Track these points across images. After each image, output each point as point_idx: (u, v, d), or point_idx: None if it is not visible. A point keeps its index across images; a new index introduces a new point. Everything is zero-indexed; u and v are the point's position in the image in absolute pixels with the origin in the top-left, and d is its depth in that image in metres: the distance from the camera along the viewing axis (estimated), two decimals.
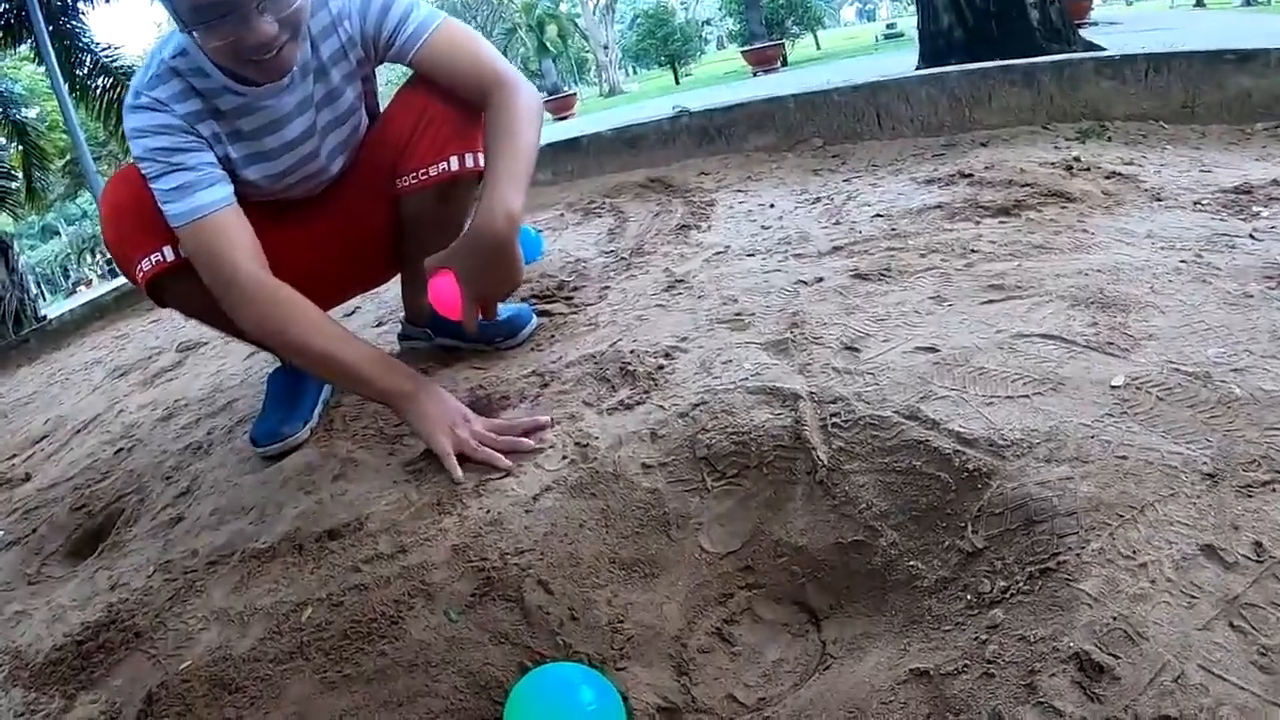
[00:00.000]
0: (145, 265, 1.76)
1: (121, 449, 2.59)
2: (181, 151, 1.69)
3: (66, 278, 46.32)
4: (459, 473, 1.60)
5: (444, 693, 1.23)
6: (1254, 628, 0.87)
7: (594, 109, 24.27)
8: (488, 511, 1.47)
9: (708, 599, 1.34)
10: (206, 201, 1.69)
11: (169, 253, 1.75)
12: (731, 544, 1.38)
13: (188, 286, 1.79)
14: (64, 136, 16.19)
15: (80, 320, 5.79)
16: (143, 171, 1.71)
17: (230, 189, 1.74)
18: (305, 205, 2.01)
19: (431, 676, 1.25)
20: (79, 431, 3.04)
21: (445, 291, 1.50)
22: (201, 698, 1.33)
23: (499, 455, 1.60)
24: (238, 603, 1.53)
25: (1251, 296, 1.52)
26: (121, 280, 6.47)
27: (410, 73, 1.95)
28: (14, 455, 3.12)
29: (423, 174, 1.94)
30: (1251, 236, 1.86)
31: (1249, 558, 0.95)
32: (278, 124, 1.79)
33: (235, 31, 1.54)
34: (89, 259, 47.92)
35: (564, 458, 1.55)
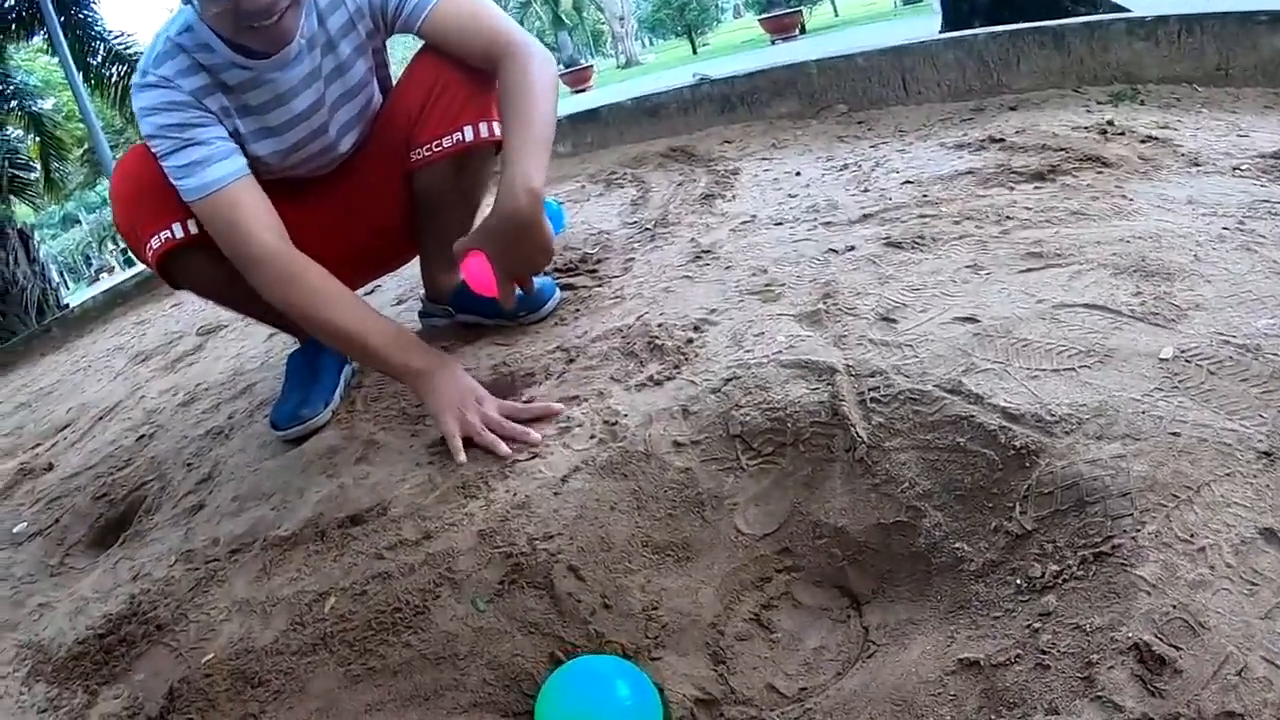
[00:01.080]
0: (154, 243, 1.76)
1: (143, 436, 2.59)
2: (192, 126, 1.68)
3: (88, 265, 46.67)
4: (462, 456, 1.59)
5: (472, 685, 1.22)
6: None
7: (610, 81, 24.12)
8: (514, 494, 1.45)
9: (744, 583, 1.31)
10: (220, 175, 1.68)
11: (178, 230, 1.75)
12: (768, 525, 1.34)
13: (198, 264, 1.82)
14: (81, 126, 16.25)
15: (102, 307, 5.82)
16: (154, 149, 1.70)
17: (244, 160, 1.74)
18: (318, 185, 2.00)
19: (459, 669, 1.24)
20: (101, 419, 3.05)
21: (479, 271, 1.48)
22: (224, 692, 1.33)
23: (500, 443, 1.57)
24: (260, 593, 1.52)
25: None
26: (142, 266, 6.50)
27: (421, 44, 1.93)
28: (37, 445, 3.14)
29: (436, 146, 1.92)
30: None
31: None
32: (284, 98, 1.77)
33: None
34: (110, 246, 48.27)
35: (592, 437, 1.52)
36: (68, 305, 9.74)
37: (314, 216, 1.93)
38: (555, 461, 1.49)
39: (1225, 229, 1.68)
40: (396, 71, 2.07)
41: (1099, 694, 0.83)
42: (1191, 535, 0.95)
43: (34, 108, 13.32)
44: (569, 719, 1.04)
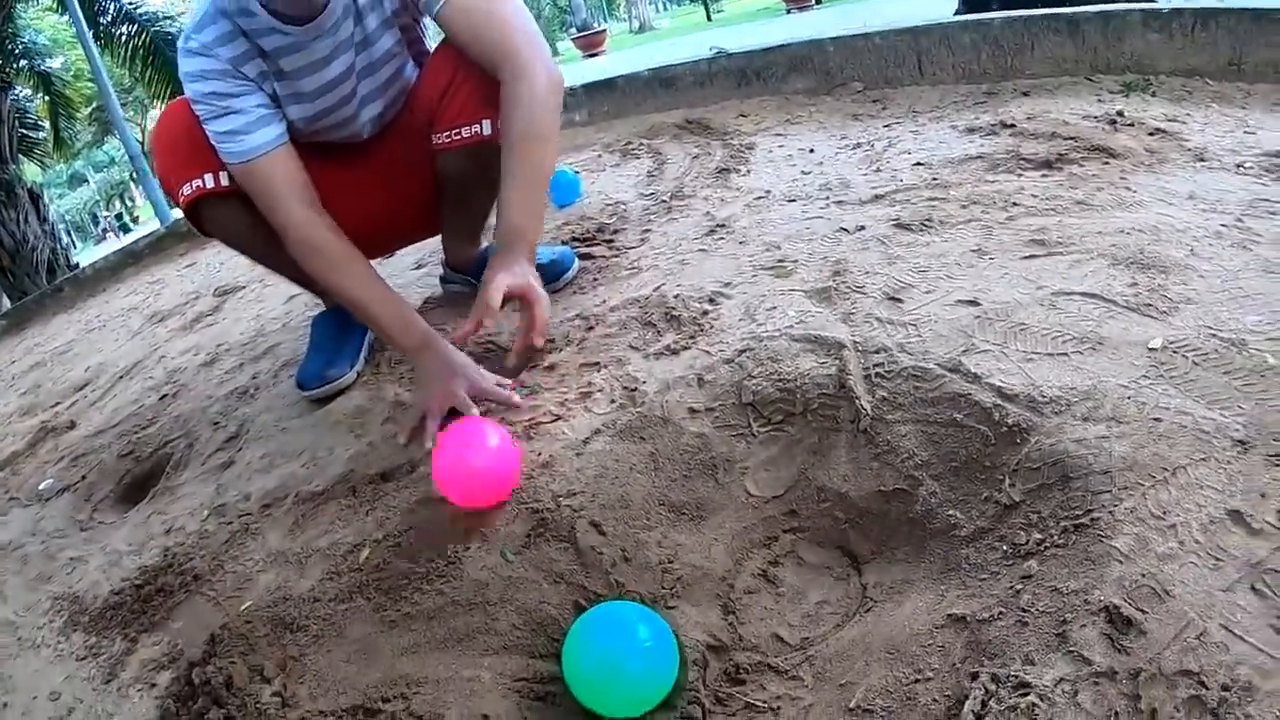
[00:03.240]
0: (186, 190, 1.83)
1: (166, 395, 2.64)
2: (231, 96, 1.74)
3: (95, 224, 46.40)
4: (403, 439, 1.74)
5: (502, 630, 1.29)
6: (1275, 593, 0.91)
7: (624, 46, 23.90)
8: (539, 454, 1.53)
9: (753, 542, 1.39)
10: (258, 144, 1.75)
11: (210, 180, 1.82)
12: (776, 489, 1.43)
13: (226, 214, 1.88)
14: (89, 85, 16.18)
15: (115, 267, 5.81)
16: (197, 113, 1.77)
17: (282, 128, 1.80)
18: (353, 153, 2.05)
19: (489, 615, 1.31)
20: (121, 378, 3.09)
21: (448, 470, 1.41)
22: (264, 637, 1.39)
23: (473, 408, 1.66)
24: (295, 544, 1.59)
25: None
26: (154, 227, 6.50)
27: None
28: (57, 403, 3.17)
29: (455, 134, 1.96)
30: None
31: (1273, 525, 0.99)
32: (317, 64, 1.81)
33: None
34: (118, 205, 48.01)
35: (613, 402, 1.60)
36: (78, 265, 9.70)
37: (346, 183, 2.00)
38: (577, 424, 1.58)
39: (1223, 225, 1.74)
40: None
41: (1071, 649, 0.92)
42: (1164, 513, 1.03)
43: (43, 66, 13.24)
44: (594, 657, 1.12)
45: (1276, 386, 1.20)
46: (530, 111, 1.71)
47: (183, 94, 1.83)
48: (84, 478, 2.29)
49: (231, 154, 1.76)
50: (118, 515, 2.09)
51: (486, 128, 1.92)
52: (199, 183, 1.83)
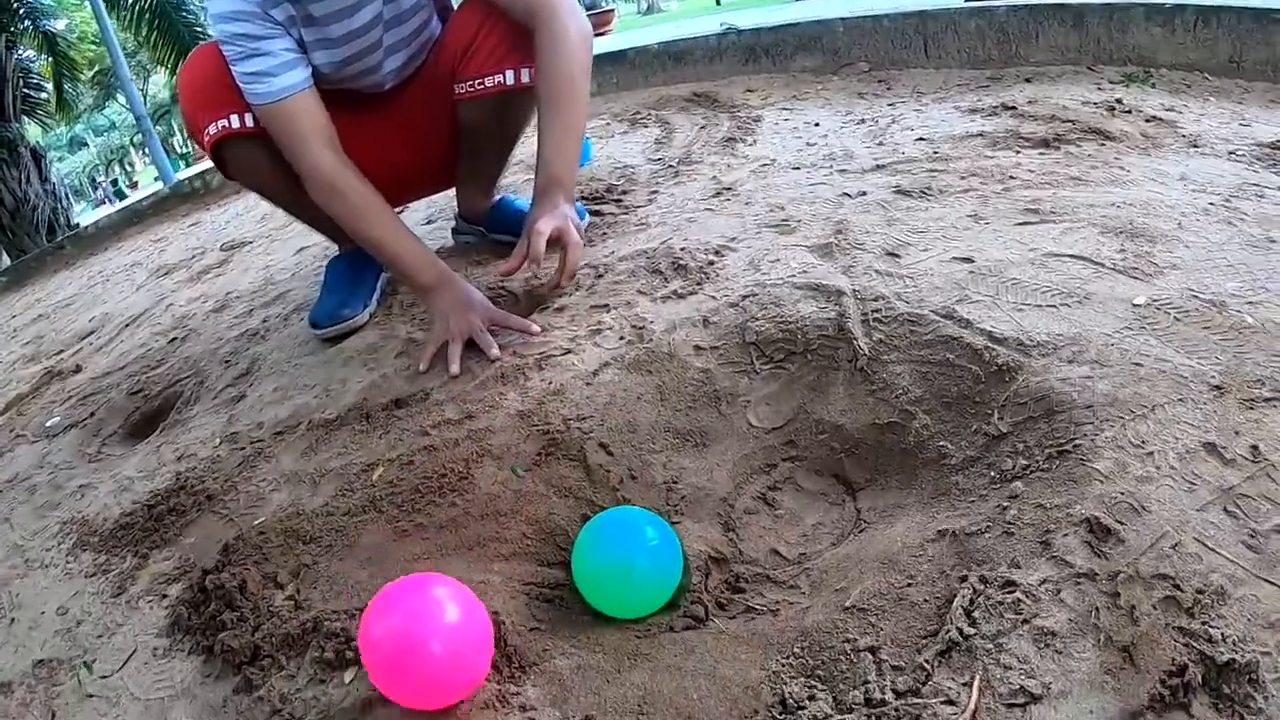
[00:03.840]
0: (211, 130, 1.88)
1: (175, 338, 2.67)
2: (259, 38, 1.77)
3: (95, 188, 46.00)
4: (424, 366, 1.79)
5: (512, 538, 1.35)
6: (1246, 515, 0.98)
7: (631, 28, 23.80)
8: (550, 383, 1.60)
9: (753, 468, 1.46)
10: (283, 86, 1.79)
11: (235, 120, 1.86)
12: (776, 421, 1.50)
13: (250, 156, 1.94)
14: (93, 47, 16.09)
15: (117, 225, 5.81)
16: (225, 53, 1.80)
17: (308, 72, 1.84)
18: (377, 103, 2.09)
19: (501, 525, 1.36)
20: (127, 325, 3.10)
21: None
22: (277, 547, 1.42)
23: (493, 345, 1.74)
24: (308, 466, 1.64)
25: (1275, 243, 1.59)
26: (157, 187, 6.48)
27: None
28: (61, 351, 3.17)
29: (479, 84, 2.01)
30: None
31: (1246, 458, 1.05)
32: (345, 12, 1.84)
33: None
34: (116, 170, 47.66)
35: (621, 338, 1.67)
36: (78, 225, 9.67)
37: (367, 132, 2.04)
38: (587, 357, 1.64)
39: (1211, 204, 1.81)
40: None
41: (1054, 554, 0.99)
42: (1143, 442, 1.10)
43: (47, 27, 13.15)
44: (602, 556, 1.17)
45: (1253, 343, 1.27)
46: (565, 62, 1.78)
47: (188, 57, 1.89)
48: (92, 414, 2.31)
49: (258, 95, 1.79)
50: (126, 449, 2.10)
51: (509, 78, 1.97)
52: (224, 123, 1.87)
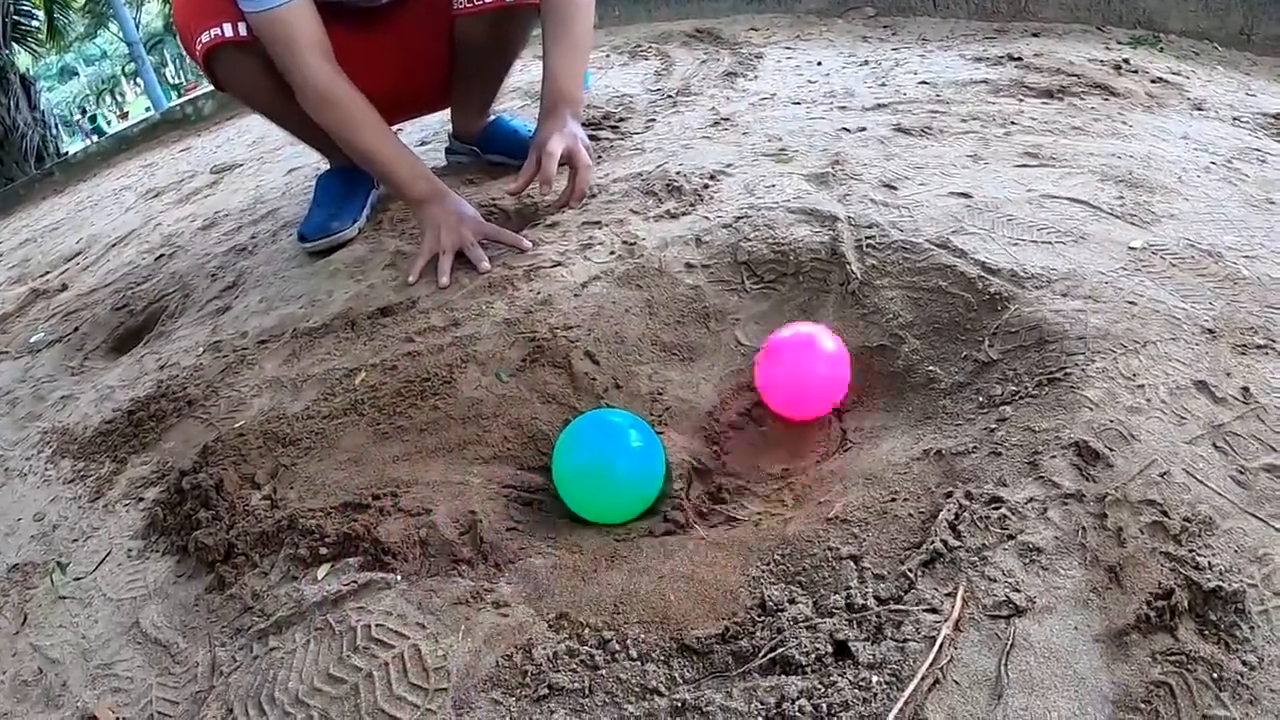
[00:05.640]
0: (204, 38, 1.84)
1: (162, 255, 2.64)
2: None
3: (87, 117, 45.15)
4: (413, 277, 1.77)
5: (494, 441, 1.34)
6: (1235, 451, 0.98)
7: None
8: (538, 293, 1.58)
9: (740, 385, 1.44)
10: None
11: (228, 29, 1.82)
12: (765, 340, 1.49)
13: (243, 65, 1.89)
14: None
15: (106, 153, 5.78)
16: None
17: None
18: (367, 21, 2.05)
19: (482, 428, 1.36)
20: (114, 245, 3.08)
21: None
22: (256, 449, 1.42)
23: (484, 258, 1.73)
24: (290, 371, 1.62)
25: (1274, 204, 1.58)
26: (146, 114, 6.44)
27: None
28: (47, 272, 3.15)
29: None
30: None
31: (1237, 398, 1.05)
32: None
33: None
34: (108, 100, 46.81)
35: (612, 253, 1.65)
36: (67, 154, 9.55)
37: (362, 49, 1.99)
38: (576, 270, 1.63)
39: (1213, 163, 1.80)
40: None
41: (1041, 475, 0.98)
42: (1134, 375, 1.10)
43: None
44: (584, 454, 1.16)
45: (1247, 294, 1.26)
46: None
47: None
48: (76, 329, 2.30)
49: (253, 3, 1.75)
50: (109, 362, 2.10)
51: None
52: (217, 31, 1.83)
